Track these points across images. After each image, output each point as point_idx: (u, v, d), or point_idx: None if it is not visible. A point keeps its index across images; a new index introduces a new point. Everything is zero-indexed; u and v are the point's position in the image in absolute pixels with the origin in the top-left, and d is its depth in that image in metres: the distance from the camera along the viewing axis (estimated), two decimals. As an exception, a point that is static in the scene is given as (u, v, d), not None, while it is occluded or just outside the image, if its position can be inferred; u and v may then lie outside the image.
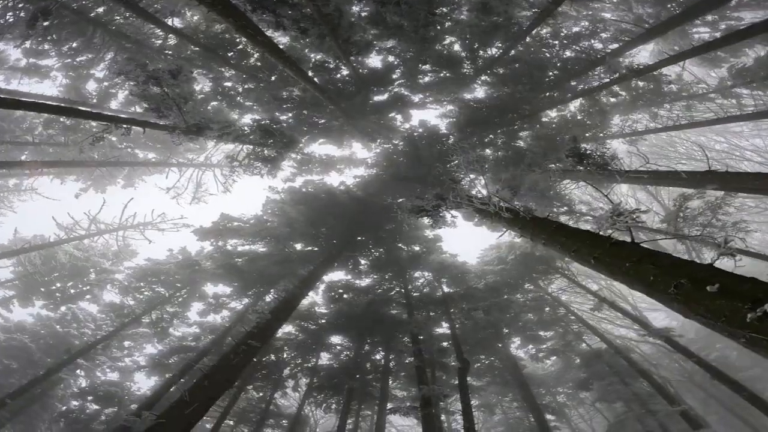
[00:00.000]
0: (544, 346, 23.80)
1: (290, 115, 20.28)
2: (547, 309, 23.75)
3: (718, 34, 16.62)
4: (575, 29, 17.23)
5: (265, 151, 18.30)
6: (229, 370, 12.34)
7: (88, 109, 14.18)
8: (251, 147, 18.17)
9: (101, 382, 25.30)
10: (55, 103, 14.17)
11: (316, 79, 18.12)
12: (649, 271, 5.35)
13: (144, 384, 25.25)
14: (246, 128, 17.77)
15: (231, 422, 25.18)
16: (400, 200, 18.04)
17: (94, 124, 20.62)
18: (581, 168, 13.59)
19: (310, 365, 24.42)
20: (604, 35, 16.72)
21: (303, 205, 20.29)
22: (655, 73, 16.41)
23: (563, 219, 19.57)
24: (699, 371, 27.11)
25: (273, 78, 20.08)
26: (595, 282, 24.13)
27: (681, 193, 14.09)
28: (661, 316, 32.07)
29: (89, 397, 24.42)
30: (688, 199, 13.91)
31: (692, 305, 4.62)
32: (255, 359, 23.79)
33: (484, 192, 12.87)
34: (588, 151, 13.19)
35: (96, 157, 23.63)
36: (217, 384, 11.68)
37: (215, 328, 24.05)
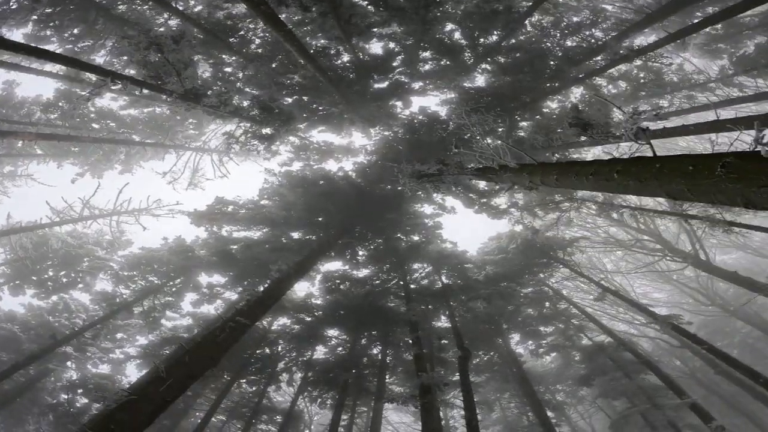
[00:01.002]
0: (545, 341, 23.27)
1: (290, 100, 19.95)
2: (547, 304, 23.26)
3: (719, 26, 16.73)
4: (576, 19, 17.28)
5: (263, 130, 18.21)
6: (213, 347, 11.59)
7: (89, 63, 13.98)
8: (248, 125, 18.10)
9: (92, 375, 24.87)
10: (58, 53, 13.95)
11: (317, 61, 18.05)
12: (686, 162, 4.97)
13: (135, 377, 24.77)
14: (245, 102, 17.74)
15: (223, 417, 24.76)
16: (402, 165, 17.99)
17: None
18: (585, 137, 13.45)
19: (305, 359, 23.86)
20: (604, 25, 16.73)
21: (300, 187, 19.86)
22: (656, 63, 16.39)
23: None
24: (701, 368, 26.66)
25: (274, 65, 20.06)
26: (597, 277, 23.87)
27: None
28: (663, 311, 31.34)
29: (79, 390, 24.00)
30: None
31: (749, 179, 4.17)
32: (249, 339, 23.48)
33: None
34: (592, 121, 13.03)
35: (95, 133, 23.46)
36: (198, 361, 10.91)
37: (208, 319, 23.71)
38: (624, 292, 19.69)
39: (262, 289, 16.18)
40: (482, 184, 20.39)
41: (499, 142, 11.56)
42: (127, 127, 23.89)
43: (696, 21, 14.43)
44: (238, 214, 20.87)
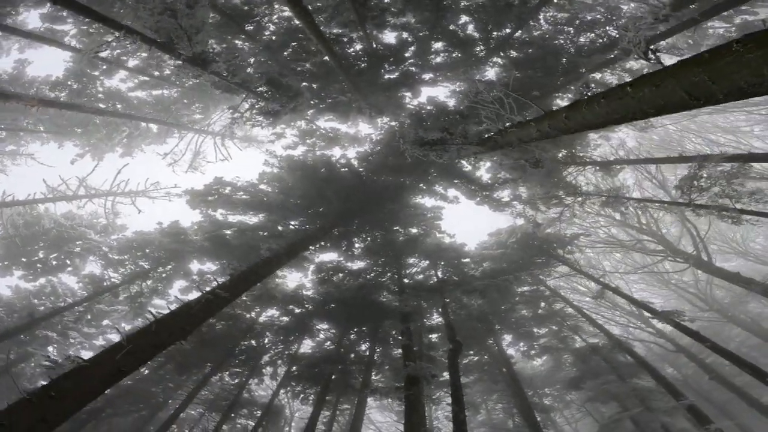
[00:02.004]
0: (537, 343, 22.84)
1: (300, 87, 20.01)
2: (542, 304, 22.89)
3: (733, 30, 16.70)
4: (590, 17, 17.33)
5: (269, 106, 18.04)
6: (185, 318, 10.62)
7: (103, 14, 13.81)
8: (255, 100, 17.92)
9: (74, 357, 24.05)
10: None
11: (331, 47, 18.02)
12: (701, 55, 4.78)
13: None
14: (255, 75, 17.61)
15: (201, 409, 23.81)
16: (404, 130, 17.70)
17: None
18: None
19: (290, 352, 23.17)
20: (618, 23, 16.80)
21: (300, 171, 19.57)
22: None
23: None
24: (695, 373, 26.33)
25: (286, 53, 20.09)
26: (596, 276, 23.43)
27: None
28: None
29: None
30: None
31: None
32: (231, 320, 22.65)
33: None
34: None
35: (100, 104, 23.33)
36: (166, 330, 9.97)
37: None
38: (621, 296, 19.15)
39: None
40: (486, 176, 20.21)
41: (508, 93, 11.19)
42: (134, 108, 23.72)
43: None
44: (234, 197, 20.46)
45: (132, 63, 23.12)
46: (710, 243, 23.55)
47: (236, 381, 23.35)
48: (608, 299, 28.95)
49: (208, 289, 12.30)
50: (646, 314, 25.25)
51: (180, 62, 15.50)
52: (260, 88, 17.82)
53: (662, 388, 17.03)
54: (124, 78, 23.56)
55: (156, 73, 23.00)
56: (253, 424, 22.43)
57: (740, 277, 20.05)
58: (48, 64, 26.62)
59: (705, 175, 13.65)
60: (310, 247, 19.92)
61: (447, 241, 21.66)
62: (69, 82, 23.61)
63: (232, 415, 22.78)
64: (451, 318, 18.42)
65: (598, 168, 18.44)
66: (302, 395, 21.24)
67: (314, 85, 20.21)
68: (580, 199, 18.60)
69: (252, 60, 20.62)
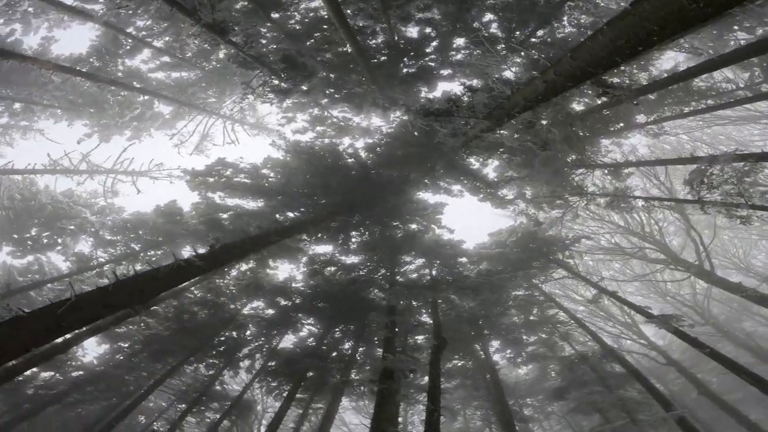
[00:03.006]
0: (525, 350, 22.28)
1: (315, 66, 19.96)
2: (535, 310, 22.31)
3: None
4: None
5: (282, 84, 17.89)
6: (149, 281, 9.72)
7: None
8: (269, 77, 17.78)
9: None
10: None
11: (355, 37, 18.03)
12: None
13: (95, 351, 22.83)
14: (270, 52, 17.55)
15: (171, 398, 22.44)
16: (408, 99, 17.30)
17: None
18: (605, 98, 12.91)
19: (270, 346, 22.35)
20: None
21: (307, 156, 19.15)
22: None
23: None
24: (682, 389, 26.00)
25: (309, 42, 20.17)
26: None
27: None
28: (651, 331, 30.16)
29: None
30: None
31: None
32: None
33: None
34: (615, 81, 12.59)
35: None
36: (123, 291, 8.95)
37: (182, 295, 22.21)
38: (618, 301, 18.43)
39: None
40: (492, 174, 19.79)
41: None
42: (150, 93, 23.79)
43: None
44: (234, 180, 19.92)
45: (156, 44, 23.36)
46: (712, 257, 23.26)
47: (211, 372, 22.20)
48: (602, 309, 28.71)
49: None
50: (641, 324, 25.62)
51: (199, 28, 15.44)
52: (275, 66, 17.72)
53: (651, 399, 16.34)
54: (145, 59, 23.75)
55: (178, 55, 23.12)
56: (228, 419, 21.28)
57: (741, 287, 19.79)
58: (73, 44, 26.96)
59: (715, 173, 13.18)
60: (303, 234, 19.30)
61: (446, 237, 21.19)
62: (91, 59, 23.81)
63: (202, 408, 21.58)
64: (440, 316, 17.56)
65: (606, 172, 18.03)
66: (276, 391, 20.06)
67: (332, 75, 20.15)
68: (585, 199, 18.15)
69: (274, 47, 20.74)
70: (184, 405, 22.00)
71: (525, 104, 10.50)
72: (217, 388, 22.36)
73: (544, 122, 15.20)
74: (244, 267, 21.85)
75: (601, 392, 18.06)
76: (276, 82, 17.68)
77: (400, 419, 24.08)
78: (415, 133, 19.34)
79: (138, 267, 23.06)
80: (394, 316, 16.82)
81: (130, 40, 23.02)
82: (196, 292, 21.96)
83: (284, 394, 19.78)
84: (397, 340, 18.40)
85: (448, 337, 20.16)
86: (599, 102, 17.70)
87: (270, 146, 20.04)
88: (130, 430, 22.93)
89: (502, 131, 14.95)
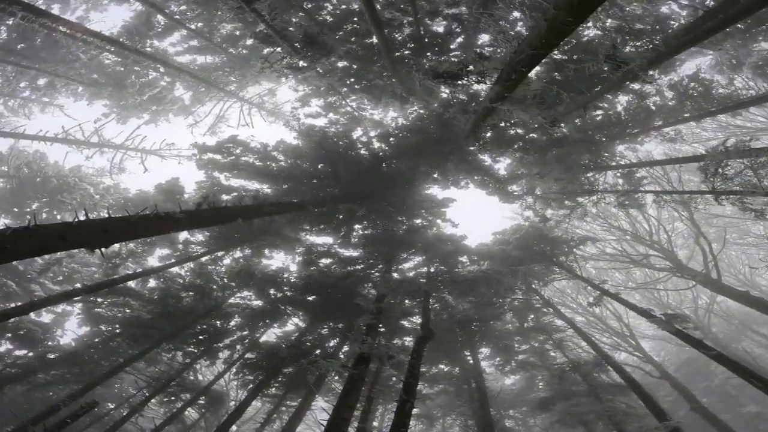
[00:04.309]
0: (515, 359, 21.53)
1: (334, 45, 19.97)
2: (531, 316, 21.69)
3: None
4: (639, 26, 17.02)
5: (300, 62, 17.75)
6: (120, 222, 8.95)
7: None
8: (288, 52, 17.63)
9: (29, 321, 22.33)
10: None
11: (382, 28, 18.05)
12: None
13: (76, 333, 21.88)
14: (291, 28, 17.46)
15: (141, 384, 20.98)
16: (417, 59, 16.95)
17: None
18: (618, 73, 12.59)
19: (253, 339, 21.52)
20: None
21: (319, 138, 18.65)
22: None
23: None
24: (673, 406, 25.04)
25: (338, 35, 20.27)
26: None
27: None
28: (647, 345, 29.94)
29: (8, 334, 21.41)
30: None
31: None
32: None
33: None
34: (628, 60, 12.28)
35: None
36: (87, 229, 8.12)
37: (171, 277, 21.39)
38: (620, 302, 17.37)
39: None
40: (502, 170, 19.25)
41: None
42: (174, 75, 23.94)
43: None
44: (242, 159, 19.46)
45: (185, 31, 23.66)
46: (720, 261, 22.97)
47: (187, 360, 20.91)
48: (599, 319, 27.95)
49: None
50: (639, 338, 24.98)
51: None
52: (296, 44, 17.66)
53: (640, 411, 15.95)
54: (174, 42, 24.02)
55: (207, 38, 23.30)
56: (193, 408, 20.05)
57: (748, 295, 19.21)
58: (107, 26, 27.59)
59: (730, 163, 12.56)
60: (301, 213, 18.57)
61: (448, 231, 20.73)
62: (121, 39, 24.16)
63: (172, 398, 20.29)
64: (431, 311, 16.59)
65: (618, 174, 17.38)
66: (251, 386, 18.82)
67: (354, 66, 20.08)
68: (595, 197, 17.42)
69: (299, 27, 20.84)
70: (150, 392, 20.66)
71: (530, 53, 10.09)
72: (190, 377, 21.20)
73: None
74: (237, 254, 21.08)
75: (589, 403, 17.14)
76: (295, 59, 17.53)
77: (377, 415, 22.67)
78: (431, 126, 18.99)
79: (131, 246, 22.55)
80: (382, 302, 15.88)
81: (162, 22, 23.41)
82: (185, 275, 21.14)
83: (256, 387, 18.71)
84: (384, 337, 17.41)
85: (437, 340, 19.07)
86: (618, 107, 17.34)
87: (284, 134, 19.75)
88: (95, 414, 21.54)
89: (513, 108, 14.45)
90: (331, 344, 20.82)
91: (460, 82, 13.30)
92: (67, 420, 12.96)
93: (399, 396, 11.45)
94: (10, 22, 21.08)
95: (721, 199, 13.16)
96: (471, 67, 13.00)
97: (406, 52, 19.39)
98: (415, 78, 13.62)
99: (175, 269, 21.35)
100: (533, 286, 21.19)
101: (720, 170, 12.50)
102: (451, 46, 19.13)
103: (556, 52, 16.93)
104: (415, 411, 23.54)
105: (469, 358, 20.98)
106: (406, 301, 19.00)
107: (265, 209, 15.69)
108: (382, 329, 18.66)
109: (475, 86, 16.45)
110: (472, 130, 16.06)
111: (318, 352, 19.63)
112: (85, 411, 13.74)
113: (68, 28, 19.79)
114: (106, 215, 9.15)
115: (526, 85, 15.40)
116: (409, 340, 20.23)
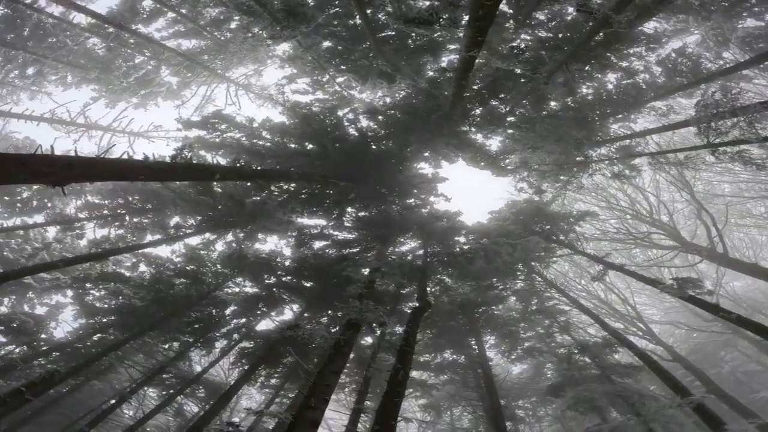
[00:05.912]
0: (521, 346, 21.07)
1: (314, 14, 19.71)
2: (534, 300, 20.92)
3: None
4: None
5: (282, 32, 17.57)
6: (83, 163, 8.64)
7: None
8: (269, 23, 17.43)
9: (21, 313, 22.28)
10: None
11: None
12: None
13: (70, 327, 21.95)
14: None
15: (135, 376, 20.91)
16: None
17: None
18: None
19: (249, 327, 21.42)
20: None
21: (306, 114, 18.23)
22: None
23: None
24: (691, 386, 24.53)
25: (321, 19, 19.98)
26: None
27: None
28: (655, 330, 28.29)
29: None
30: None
31: None
32: None
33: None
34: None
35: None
36: (42, 165, 7.87)
37: (162, 263, 21.28)
38: (623, 300, 17.00)
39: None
40: (494, 147, 18.90)
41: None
42: (159, 54, 23.70)
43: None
44: (228, 136, 19.13)
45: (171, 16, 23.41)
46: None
47: (182, 350, 20.80)
48: (605, 303, 27.26)
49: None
50: (645, 320, 24.72)
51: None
52: (278, 15, 17.49)
53: (660, 390, 16.20)
54: (159, 28, 23.75)
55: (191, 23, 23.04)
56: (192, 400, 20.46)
57: (757, 267, 18.68)
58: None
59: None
60: (287, 184, 18.27)
61: (442, 208, 20.03)
62: (106, 25, 23.97)
63: (171, 391, 20.27)
64: (428, 292, 16.27)
65: (613, 148, 17.18)
66: (252, 376, 18.67)
67: (339, 47, 19.80)
68: (590, 170, 17.10)
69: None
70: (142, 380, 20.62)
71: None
72: (185, 367, 21.14)
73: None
74: (230, 237, 20.91)
75: (601, 386, 16.35)
76: (276, 28, 17.39)
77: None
78: (420, 97, 18.74)
79: (121, 231, 22.43)
80: (375, 275, 15.60)
81: (147, 9, 23.18)
82: (177, 260, 20.99)
83: (260, 380, 19.28)
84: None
85: (441, 327, 18.80)
86: (608, 86, 17.11)
87: (272, 114, 19.46)
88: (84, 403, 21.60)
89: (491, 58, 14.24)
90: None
91: (432, 27, 13.22)
92: (22, 388, 12.81)
93: (393, 365, 11.03)
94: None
95: (718, 154, 12.71)
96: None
97: (391, 33, 19.04)
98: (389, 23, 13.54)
99: (167, 254, 21.28)
100: (535, 267, 20.65)
101: (713, 124, 12.10)
102: (435, 27, 18.75)
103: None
104: (421, 402, 23.33)
105: (474, 346, 20.51)
106: (404, 282, 18.65)
107: (246, 171, 15.43)
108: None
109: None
110: (456, 93, 15.79)
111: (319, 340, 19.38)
112: (43, 380, 13.59)
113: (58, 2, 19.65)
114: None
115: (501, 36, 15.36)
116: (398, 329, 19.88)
